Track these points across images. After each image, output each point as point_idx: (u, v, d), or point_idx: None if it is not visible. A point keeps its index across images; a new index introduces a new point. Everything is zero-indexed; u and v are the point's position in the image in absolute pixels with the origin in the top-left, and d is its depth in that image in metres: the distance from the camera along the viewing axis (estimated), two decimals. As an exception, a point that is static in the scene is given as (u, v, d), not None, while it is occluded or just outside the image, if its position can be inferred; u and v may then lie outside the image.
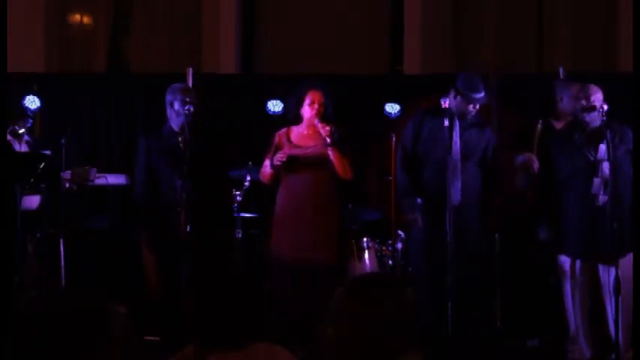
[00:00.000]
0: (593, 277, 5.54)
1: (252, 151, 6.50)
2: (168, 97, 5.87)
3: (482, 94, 5.58)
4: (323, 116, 5.70)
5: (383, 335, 2.11)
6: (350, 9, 8.78)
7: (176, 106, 5.80)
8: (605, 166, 5.36)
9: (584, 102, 5.49)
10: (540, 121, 6.03)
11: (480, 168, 5.69)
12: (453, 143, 5.53)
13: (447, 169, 5.37)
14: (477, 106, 5.61)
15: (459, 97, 5.57)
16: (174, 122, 5.83)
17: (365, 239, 6.40)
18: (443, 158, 5.44)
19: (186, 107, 5.74)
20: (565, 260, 5.59)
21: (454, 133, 5.55)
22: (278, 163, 5.69)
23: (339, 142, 5.67)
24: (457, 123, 5.58)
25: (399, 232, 6.61)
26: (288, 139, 5.80)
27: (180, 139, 5.71)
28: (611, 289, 5.26)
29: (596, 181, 5.40)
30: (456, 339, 5.25)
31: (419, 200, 5.61)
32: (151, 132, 6.00)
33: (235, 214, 6.19)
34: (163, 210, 5.74)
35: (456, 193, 5.48)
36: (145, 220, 5.91)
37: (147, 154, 5.85)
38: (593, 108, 5.42)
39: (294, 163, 5.72)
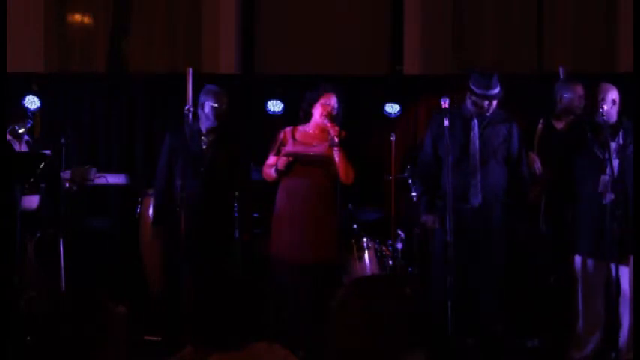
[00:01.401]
0: (605, 276, 5.49)
1: (253, 151, 6.49)
2: (201, 98, 5.88)
3: (495, 91, 5.54)
4: (333, 119, 5.71)
5: (384, 335, 2.11)
6: (350, 9, 8.79)
7: (206, 108, 5.80)
8: (615, 165, 5.34)
9: (592, 101, 5.47)
10: (541, 120, 6.02)
11: (504, 166, 5.65)
12: (471, 144, 5.52)
13: (444, 169, 5.37)
14: (494, 103, 5.58)
15: (473, 97, 5.56)
16: (203, 124, 5.84)
17: (365, 239, 6.40)
18: (461, 159, 5.45)
19: (186, 107, 5.74)
20: (577, 259, 5.57)
21: (472, 134, 5.55)
22: (282, 168, 5.69)
23: (344, 145, 5.68)
24: (475, 123, 5.57)
25: (399, 232, 6.61)
26: (293, 137, 5.81)
27: (203, 139, 5.73)
28: (626, 288, 5.25)
29: (603, 179, 5.37)
30: (455, 339, 5.25)
31: (437, 201, 5.60)
32: (178, 129, 5.95)
33: (235, 214, 6.18)
34: (176, 207, 5.71)
35: (476, 195, 5.48)
36: (161, 216, 5.89)
37: (169, 151, 5.86)
38: (602, 107, 5.40)
39: (296, 162, 5.73)
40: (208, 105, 5.79)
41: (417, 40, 8.56)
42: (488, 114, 5.58)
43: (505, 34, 8.68)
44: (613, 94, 5.47)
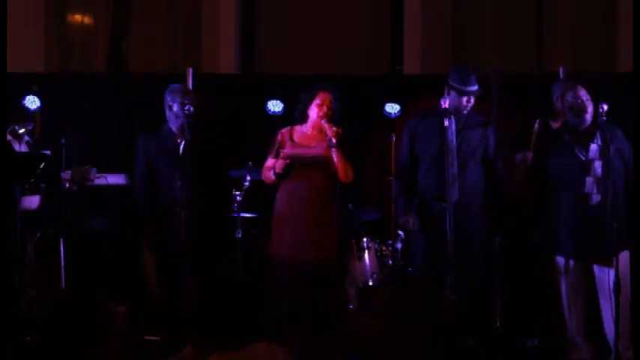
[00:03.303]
0: (588, 277, 5.53)
1: (252, 151, 6.49)
2: (167, 99, 5.84)
3: (474, 87, 5.58)
4: (330, 119, 5.70)
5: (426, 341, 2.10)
6: (350, 9, 8.79)
7: (175, 107, 5.77)
8: (597, 165, 5.38)
9: (561, 103, 5.53)
10: (538, 120, 6.03)
11: (481, 167, 5.68)
12: (449, 142, 5.53)
13: (446, 169, 5.38)
14: (472, 100, 5.61)
15: (452, 92, 5.59)
16: (173, 123, 5.82)
17: (365, 239, 6.39)
18: (438, 158, 5.47)
19: (186, 107, 5.73)
20: (560, 260, 5.59)
21: (449, 132, 5.55)
22: (280, 171, 5.69)
23: (343, 145, 5.68)
24: (453, 121, 5.58)
25: (399, 232, 6.61)
26: (291, 138, 5.81)
27: (179, 140, 5.70)
28: (607, 288, 5.26)
29: (589, 180, 5.42)
30: (455, 339, 5.25)
31: (414, 201, 5.64)
32: (150, 133, 5.98)
33: (235, 214, 6.19)
34: (163, 210, 5.74)
35: (453, 193, 5.49)
36: (144, 221, 5.90)
37: (146, 154, 5.84)
38: (573, 108, 5.46)
39: (294, 163, 5.72)
40: (176, 104, 5.77)
41: (417, 40, 8.56)
42: (465, 112, 5.61)
43: (505, 34, 8.68)
44: (582, 95, 5.50)
